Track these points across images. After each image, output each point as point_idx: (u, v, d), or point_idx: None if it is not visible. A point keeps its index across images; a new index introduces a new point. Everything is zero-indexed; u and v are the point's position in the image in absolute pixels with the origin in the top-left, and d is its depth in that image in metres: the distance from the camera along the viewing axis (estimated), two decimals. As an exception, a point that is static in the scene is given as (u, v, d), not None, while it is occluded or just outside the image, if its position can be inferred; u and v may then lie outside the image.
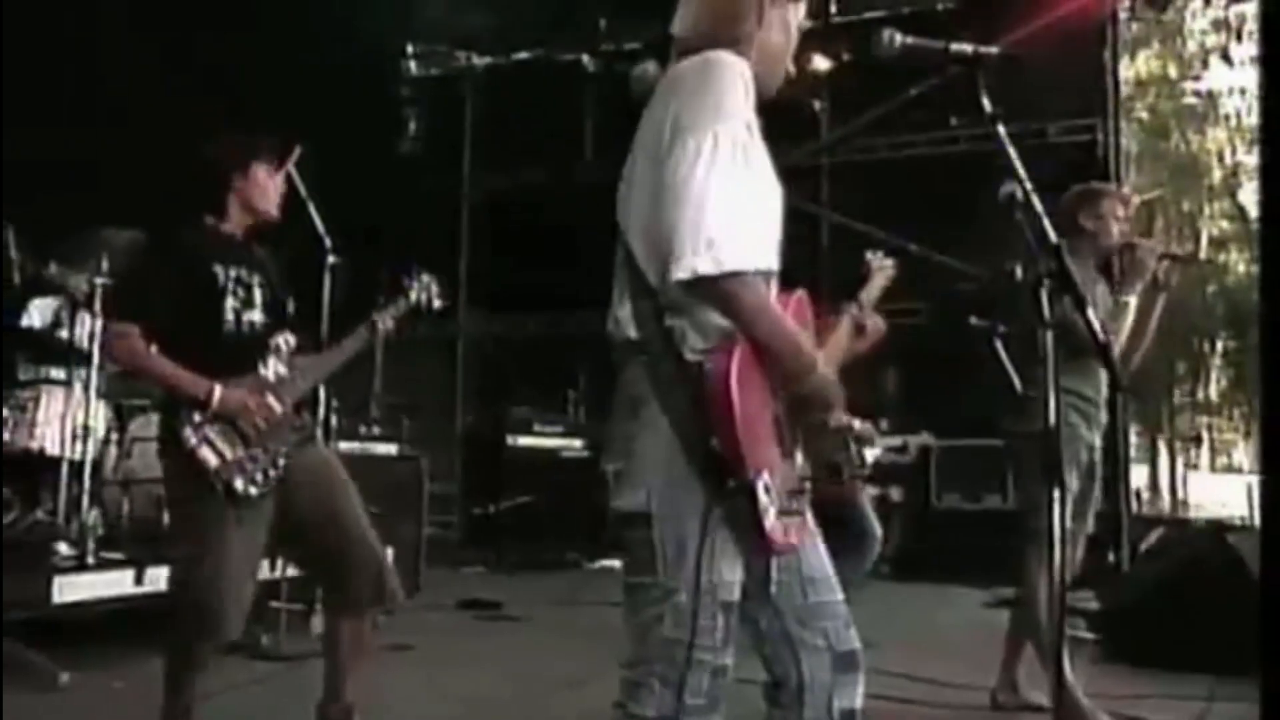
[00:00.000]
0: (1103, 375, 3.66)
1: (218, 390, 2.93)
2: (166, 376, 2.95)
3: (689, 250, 1.59)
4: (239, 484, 2.90)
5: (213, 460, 2.89)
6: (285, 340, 3.17)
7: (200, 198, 3.15)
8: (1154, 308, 3.73)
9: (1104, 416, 3.79)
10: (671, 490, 1.67)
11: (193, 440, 2.89)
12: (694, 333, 1.69)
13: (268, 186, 3.16)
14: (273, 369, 3.10)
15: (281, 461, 3.00)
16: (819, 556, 1.85)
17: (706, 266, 1.59)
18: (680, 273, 1.59)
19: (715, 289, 1.61)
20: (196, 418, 2.91)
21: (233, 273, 3.08)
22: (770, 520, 1.65)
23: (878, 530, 5.24)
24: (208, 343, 2.99)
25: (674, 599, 1.66)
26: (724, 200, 1.61)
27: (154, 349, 2.97)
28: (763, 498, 1.64)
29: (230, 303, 3.05)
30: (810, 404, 1.72)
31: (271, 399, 3.03)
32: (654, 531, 1.67)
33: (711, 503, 1.64)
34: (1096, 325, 1.82)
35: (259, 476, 2.94)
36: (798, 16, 1.91)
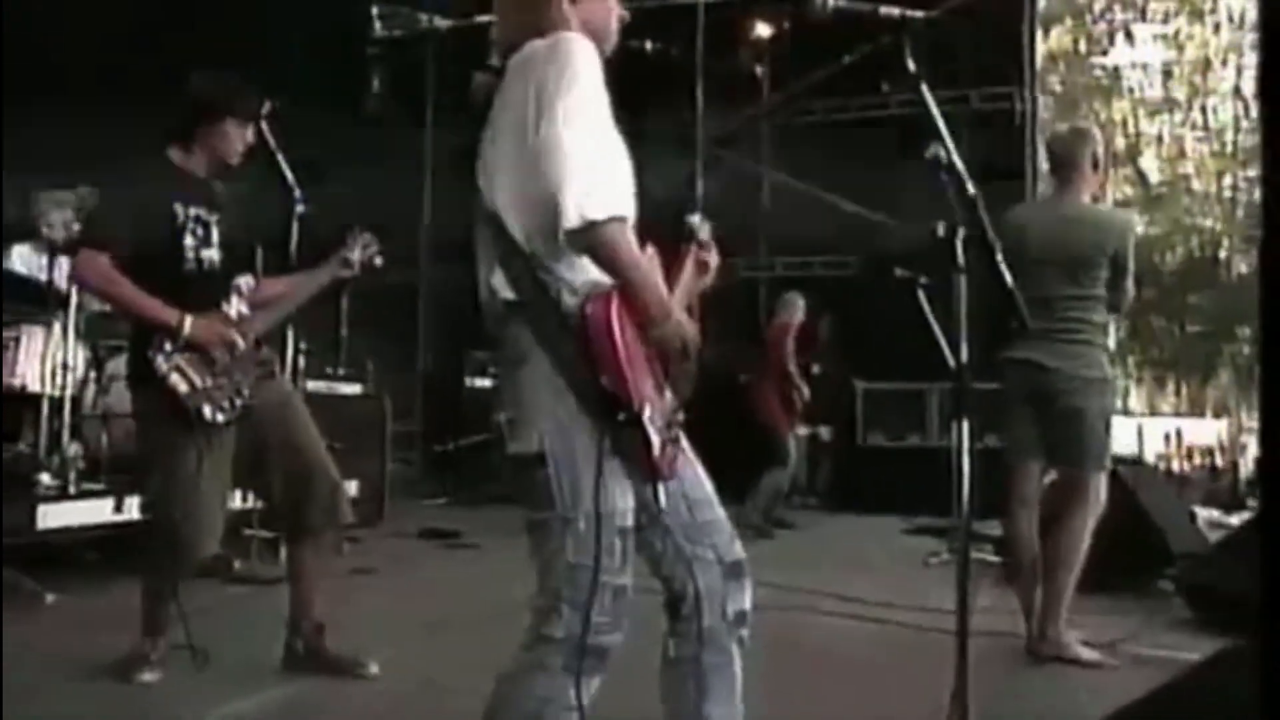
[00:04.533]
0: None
1: (189, 319, 2.89)
2: (137, 303, 2.90)
3: (573, 201, 1.62)
4: (206, 410, 2.88)
5: (183, 387, 2.86)
6: (246, 281, 3.14)
7: (169, 132, 3.07)
8: None
9: None
10: (561, 431, 1.71)
11: (164, 368, 2.86)
12: (565, 290, 1.72)
13: (235, 138, 3.09)
14: (235, 307, 3.07)
15: (245, 392, 2.98)
16: (698, 479, 1.91)
17: (592, 212, 1.63)
18: (570, 221, 1.62)
19: (598, 234, 1.65)
20: (168, 347, 2.87)
21: (192, 211, 3.01)
22: (656, 449, 1.70)
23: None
24: (169, 279, 2.93)
25: (573, 528, 1.70)
26: (593, 156, 1.66)
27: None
28: (649, 427, 1.68)
29: (189, 240, 2.99)
30: (668, 343, 1.76)
31: (235, 333, 3.00)
32: (549, 469, 1.71)
33: (604, 436, 1.68)
34: (1005, 272, 1.86)
35: (225, 404, 2.93)
36: None
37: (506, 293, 1.76)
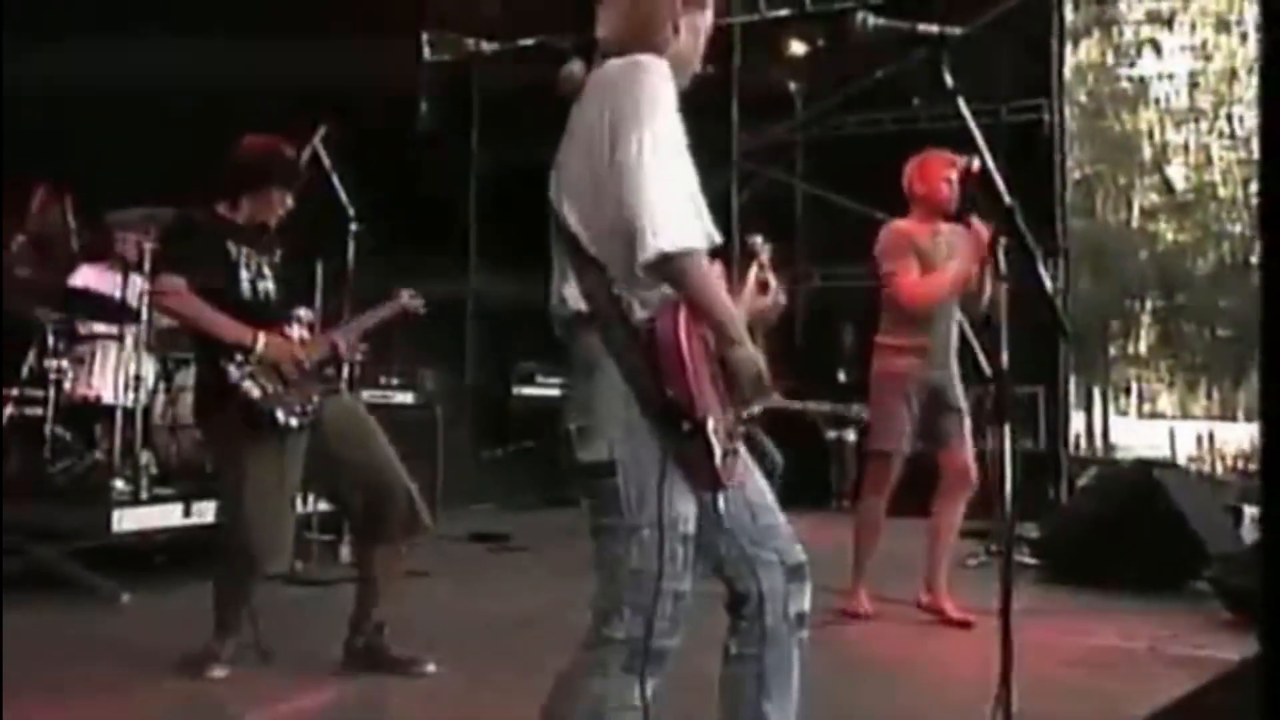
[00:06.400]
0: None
1: (262, 335, 2.95)
2: (214, 323, 2.96)
3: (649, 234, 1.62)
4: (280, 415, 2.93)
5: (256, 392, 2.91)
6: (305, 312, 3.23)
7: (218, 189, 3.15)
8: None
9: None
10: (630, 440, 1.70)
11: (236, 375, 2.91)
12: (637, 303, 1.72)
13: (276, 204, 3.16)
14: (296, 334, 3.13)
15: (315, 400, 3.02)
16: (758, 486, 1.91)
17: (668, 245, 1.62)
18: (646, 253, 1.63)
19: (673, 266, 1.65)
20: (239, 358, 2.92)
21: (243, 250, 3.09)
22: (719, 458, 1.69)
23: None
24: (232, 305, 3.00)
25: (639, 535, 1.70)
26: (670, 187, 1.66)
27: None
28: (713, 438, 1.68)
29: (244, 274, 3.07)
30: (738, 370, 1.75)
31: (302, 352, 3.05)
32: (618, 478, 1.71)
33: (669, 445, 1.68)
34: (1046, 279, 1.84)
35: (297, 409, 2.97)
36: (706, 22, 1.92)
37: (579, 304, 1.76)
